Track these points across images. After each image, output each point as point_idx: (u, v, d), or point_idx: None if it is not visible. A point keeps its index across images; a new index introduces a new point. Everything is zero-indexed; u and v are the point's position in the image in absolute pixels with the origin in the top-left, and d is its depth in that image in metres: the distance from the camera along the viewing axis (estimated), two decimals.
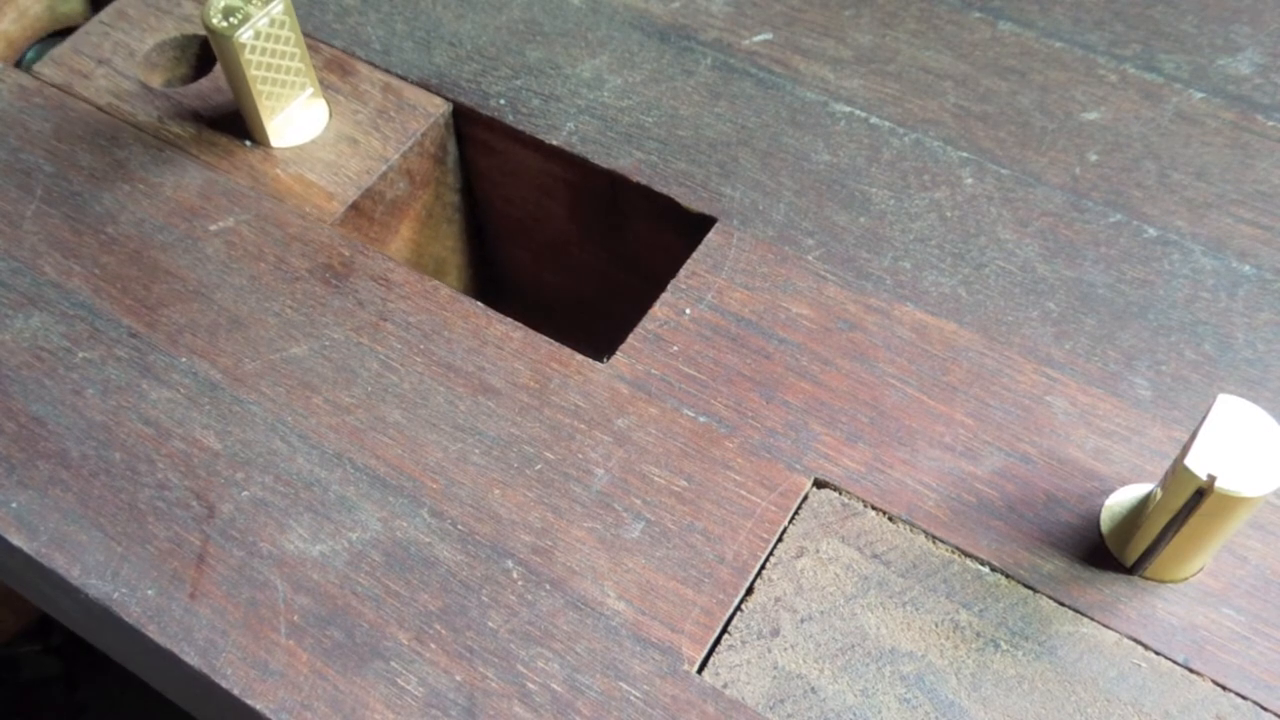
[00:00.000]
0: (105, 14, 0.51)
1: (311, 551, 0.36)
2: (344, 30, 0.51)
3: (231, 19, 0.42)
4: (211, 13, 0.42)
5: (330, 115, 0.48)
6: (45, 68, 0.49)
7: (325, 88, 0.48)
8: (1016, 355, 0.40)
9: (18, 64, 0.56)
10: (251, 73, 0.44)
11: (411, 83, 0.48)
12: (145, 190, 0.45)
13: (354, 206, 0.45)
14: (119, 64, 0.49)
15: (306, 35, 0.51)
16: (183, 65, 0.51)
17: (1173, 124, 0.47)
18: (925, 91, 0.48)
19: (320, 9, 0.52)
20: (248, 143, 0.47)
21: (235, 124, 0.47)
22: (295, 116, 0.47)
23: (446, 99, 0.48)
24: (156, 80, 0.50)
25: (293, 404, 0.39)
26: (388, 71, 0.49)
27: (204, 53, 0.51)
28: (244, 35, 0.42)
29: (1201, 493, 0.32)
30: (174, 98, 0.48)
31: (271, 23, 0.43)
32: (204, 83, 0.49)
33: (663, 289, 0.42)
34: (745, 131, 0.47)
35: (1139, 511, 0.36)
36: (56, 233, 0.44)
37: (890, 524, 0.37)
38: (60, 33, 0.57)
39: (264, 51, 0.44)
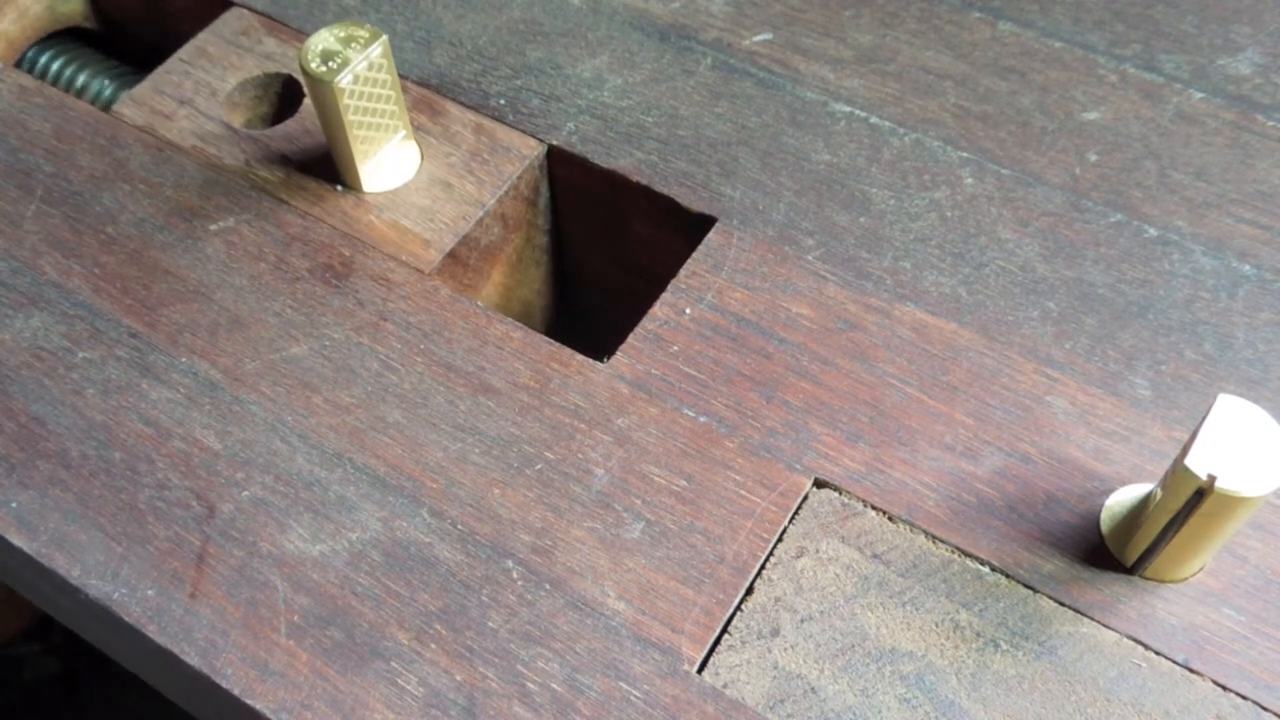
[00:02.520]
0: (184, 51, 0.50)
1: (311, 551, 0.36)
2: None
3: (330, 63, 0.40)
4: (309, 57, 0.41)
5: (422, 158, 0.46)
6: (125, 108, 0.48)
7: (415, 129, 0.47)
8: (1016, 355, 0.40)
9: (18, 64, 0.56)
10: (349, 118, 0.42)
11: (502, 122, 0.47)
12: (145, 190, 0.45)
13: (451, 254, 0.44)
14: (201, 104, 0.48)
15: (308, 34, 0.51)
16: (264, 104, 0.50)
17: (1173, 124, 0.47)
18: (925, 91, 0.48)
19: (320, 9, 0.52)
20: (339, 187, 0.45)
21: (325, 167, 0.46)
22: (387, 160, 0.45)
23: (540, 140, 0.46)
24: (237, 120, 0.49)
25: (293, 404, 0.39)
26: (479, 111, 0.47)
27: (286, 91, 0.50)
28: (344, 80, 0.40)
29: (1201, 493, 0.32)
30: (261, 140, 0.47)
31: (370, 66, 0.41)
32: (290, 124, 0.47)
33: (663, 289, 0.42)
34: (745, 131, 0.47)
35: (1139, 511, 0.36)
36: (56, 233, 0.44)
37: (890, 524, 0.37)
38: (61, 33, 0.57)
39: (361, 95, 0.42)
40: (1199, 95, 0.47)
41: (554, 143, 0.47)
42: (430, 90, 0.48)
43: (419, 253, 0.43)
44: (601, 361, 0.40)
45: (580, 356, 0.40)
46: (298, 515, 0.37)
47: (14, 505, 0.38)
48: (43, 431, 0.39)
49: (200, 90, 0.48)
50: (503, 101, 0.48)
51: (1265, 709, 0.33)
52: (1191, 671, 0.34)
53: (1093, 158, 0.46)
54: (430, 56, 0.50)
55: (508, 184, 0.45)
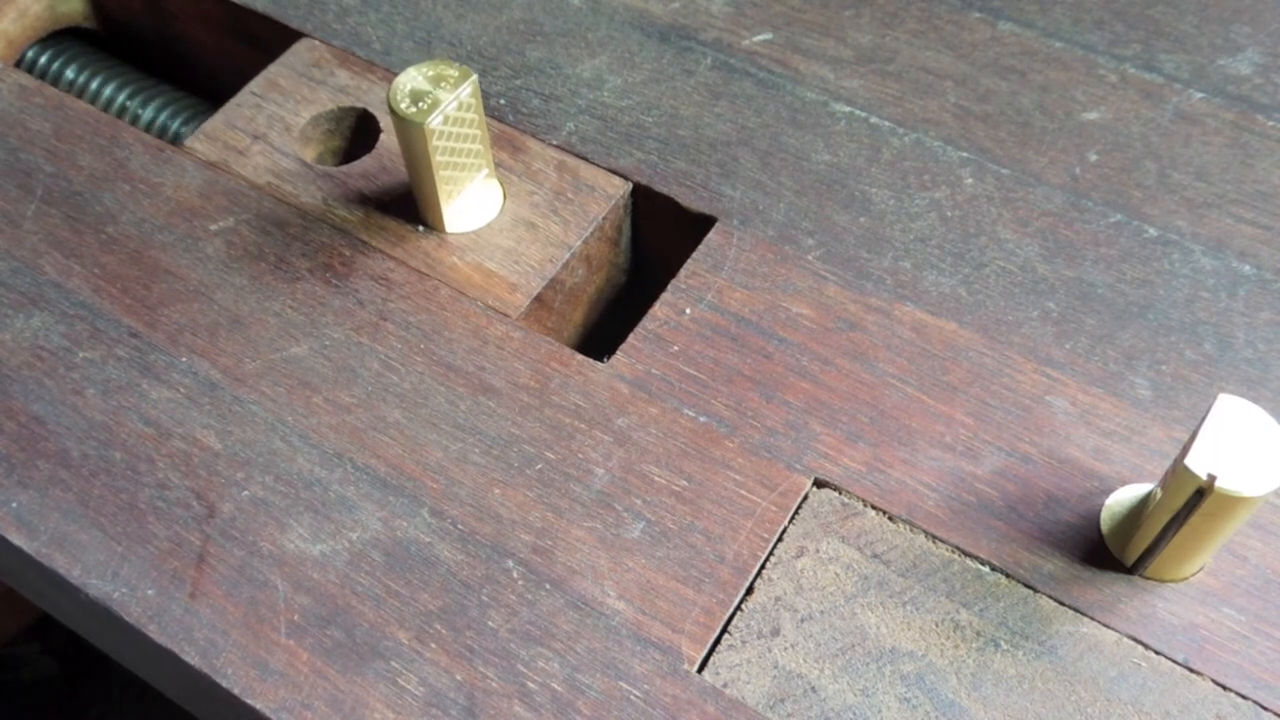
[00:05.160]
0: (255, 84, 0.48)
1: (312, 551, 0.36)
2: (344, 30, 0.51)
3: (420, 104, 0.39)
4: (399, 98, 0.39)
5: (504, 197, 0.44)
6: (197, 143, 0.46)
7: (497, 166, 0.45)
8: (1016, 355, 0.40)
9: (18, 64, 0.56)
10: (437, 159, 0.41)
11: (588, 160, 0.46)
12: (145, 190, 0.45)
13: (538, 298, 0.42)
14: (275, 139, 0.46)
15: (309, 34, 0.51)
16: (336, 138, 0.49)
17: (1173, 124, 0.47)
18: (925, 91, 0.48)
19: (320, 9, 0.52)
20: (420, 228, 0.44)
21: (405, 207, 0.44)
22: (471, 200, 0.44)
23: (625, 178, 0.45)
24: (309, 154, 0.48)
25: (293, 404, 0.39)
26: (561, 149, 0.46)
27: (360, 125, 0.48)
28: (434, 122, 0.39)
29: (1201, 492, 0.32)
30: (337, 178, 0.45)
31: (460, 106, 0.40)
32: (367, 160, 0.46)
33: (663, 289, 0.42)
34: (745, 131, 0.47)
35: (1139, 511, 0.36)
36: (56, 233, 0.44)
37: (890, 524, 0.37)
38: (61, 33, 0.57)
39: (449, 136, 0.41)
40: (1199, 95, 0.47)
41: (553, 142, 0.46)
42: (510, 126, 0.47)
43: (505, 296, 0.42)
44: (601, 361, 0.40)
45: (580, 356, 0.40)
46: (298, 515, 0.37)
47: (14, 505, 0.38)
48: (43, 431, 0.39)
49: (274, 125, 0.47)
50: (503, 101, 0.48)
51: (1265, 709, 0.33)
52: (1191, 671, 0.34)
53: (1093, 158, 0.46)
54: (430, 57, 0.50)
55: (593, 225, 0.44)
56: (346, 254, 0.43)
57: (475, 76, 0.40)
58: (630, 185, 0.45)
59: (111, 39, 0.60)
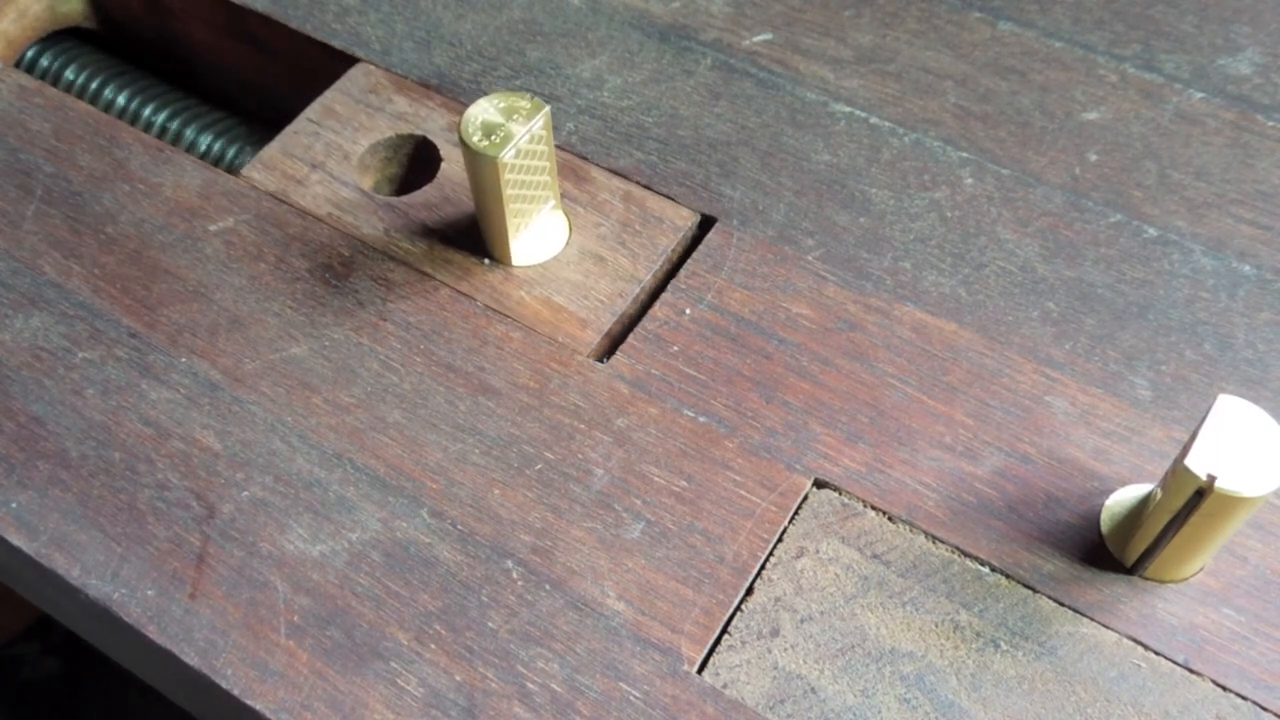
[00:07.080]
0: (312, 110, 0.48)
1: (311, 551, 0.36)
2: (344, 30, 0.51)
3: (493, 137, 0.38)
4: (470, 130, 0.39)
5: (570, 229, 0.44)
6: (255, 172, 0.46)
7: (562, 196, 0.44)
8: (1016, 355, 0.40)
9: (18, 64, 0.56)
10: (508, 192, 0.40)
11: (653, 190, 0.45)
12: (145, 190, 0.45)
13: (607, 334, 0.41)
14: (333, 168, 0.46)
15: (309, 34, 0.51)
16: (393, 165, 0.48)
17: (1173, 124, 0.47)
18: (925, 91, 0.48)
19: (320, 9, 0.52)
20: (486, 261, 0.43)
21: (468, 238, 0.43)
22: (537, 232, 0.43)
23: (693, 210, 0.44)
24: (367, 182, 0.47)
25: (293, 404, 0.39)
26: (626, 178, 0.45)
27: (417, 153, 0.48)
28: (507, 155, 0.38)
29: (1201, 493, 0.32)
30: (399, 208, 0.44)
31: (531, 139, 0.39)
32: (429, 190, 0.45)
33: (663, 289, 0.42)
34: (745, 131, 0.47)
35: (1139, 511, 0.36)
36: (56, 233, 0.44)
37: (890, 524, 0.37)
38: (61, 33, 0.57)
39: (520, 169, 0.40)
40: (1199, 95, 0.47)
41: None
42: (574, 155, 0.46)
43: (576, 333, 0.41)
44: (601, 362, 0.40)
45: (580, 356, 0.40)
46: (298, 515, 0.37)
47: (14, 505, 0.38)
48: (43, 431, 0.39)
49: (332, 153, 0.46)
50: None
51: (1265, 709, 0.33)
52: (1191, 671, 0.34)
53: (1093, 158, 0.46)
54: (430, 56, 0.50)
55: (663, 257, 0.43)
56: (345, 254, 0.43)
57: (548, 109, 0.39)
58: (698, 216, 0.44)
59: (111, 39, 0.60)
